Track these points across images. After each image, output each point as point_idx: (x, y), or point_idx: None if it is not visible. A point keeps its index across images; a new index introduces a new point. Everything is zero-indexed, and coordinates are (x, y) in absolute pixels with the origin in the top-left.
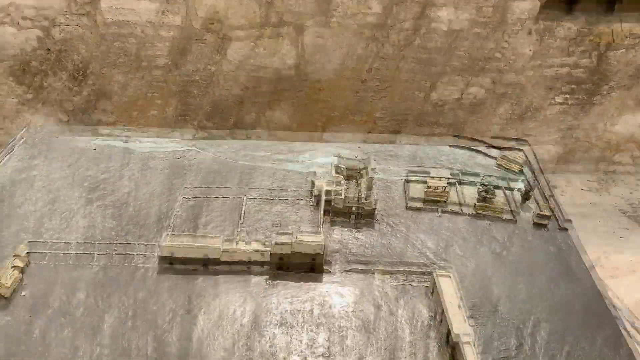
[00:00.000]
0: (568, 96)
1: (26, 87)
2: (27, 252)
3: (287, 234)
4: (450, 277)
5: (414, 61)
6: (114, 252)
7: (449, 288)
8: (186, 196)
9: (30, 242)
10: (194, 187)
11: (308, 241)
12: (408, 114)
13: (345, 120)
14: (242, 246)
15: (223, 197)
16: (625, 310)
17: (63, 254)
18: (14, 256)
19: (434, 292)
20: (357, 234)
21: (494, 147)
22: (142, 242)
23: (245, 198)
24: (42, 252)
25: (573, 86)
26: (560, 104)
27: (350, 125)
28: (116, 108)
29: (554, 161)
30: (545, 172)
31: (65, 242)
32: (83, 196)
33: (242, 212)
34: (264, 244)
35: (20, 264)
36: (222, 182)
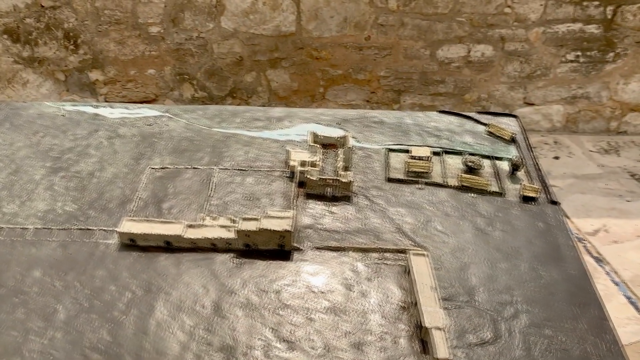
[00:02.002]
0: (580, 54)
1: (21, 45)
2: None
3: (253, 217)
4: (425, 255)
5: (417, 17)
6: (73, 227)
7: (423, 268)
8: (154, 166)
9: None
10: (163, 155)
11: (277, 217)
12: (413, 72)
13: (349, 80)
14: (207, 222)
15: (194, 168)
16: (622, 286)
17: (21, 228)
18: None
19: (408, 271)
20: (332, 208)
21: (486, 112)
22: (104, 216)
23: (216, 169)
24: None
25: (585, 43)
26: (571, 61)
27: (353, 84)
28: (113, 67)
29: (562, 121)
30: (554, 133)
31: (24, 217)
32: (47, 166)
33: (213, 184)
34: (232, 219)
35: None
36: (193, 150)
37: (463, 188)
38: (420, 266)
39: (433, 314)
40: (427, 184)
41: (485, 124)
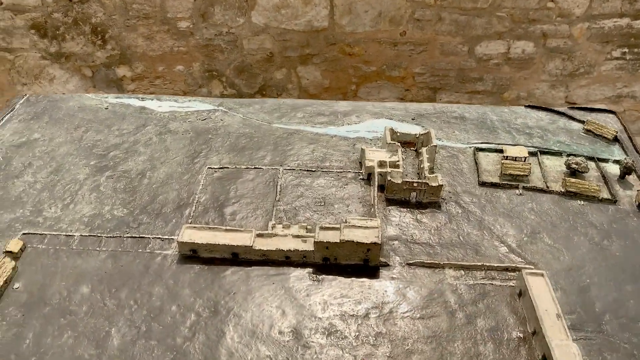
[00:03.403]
0: (626, 50)
1: (49, 41)
2: (24, 234)
3: (333, 225)
4: (543, 275)
5: (455, 12)
6: (125, 235)
7: (542, 290)
8: (213, 166)
9: (27, 221)
10: (221, 153)
11: (361, 227)
12: (450, 69)
13: (382, 77)
14: (278, 231)
15: (256, 168)
16: None
17: (65, 235)
18: (5, 252)
19: (522, 294)
20: (420, 216)
21: (579, 108)
22: (159, 222)
23: (281, 169)
24: (41, 234)
25: (632, 39)
26: (617, 59)
27: (387, 81)
28: (141, 63)
29: None
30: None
31: (68, 222)
32: (91, 164)
33: (279, 186)
34: (306, 228)
35: (15, 249)
36: (254, 148)
37: (568, 194)
38: (539, 288)
39: (564, 349)
40: (526, 188)
41: (581, 121)
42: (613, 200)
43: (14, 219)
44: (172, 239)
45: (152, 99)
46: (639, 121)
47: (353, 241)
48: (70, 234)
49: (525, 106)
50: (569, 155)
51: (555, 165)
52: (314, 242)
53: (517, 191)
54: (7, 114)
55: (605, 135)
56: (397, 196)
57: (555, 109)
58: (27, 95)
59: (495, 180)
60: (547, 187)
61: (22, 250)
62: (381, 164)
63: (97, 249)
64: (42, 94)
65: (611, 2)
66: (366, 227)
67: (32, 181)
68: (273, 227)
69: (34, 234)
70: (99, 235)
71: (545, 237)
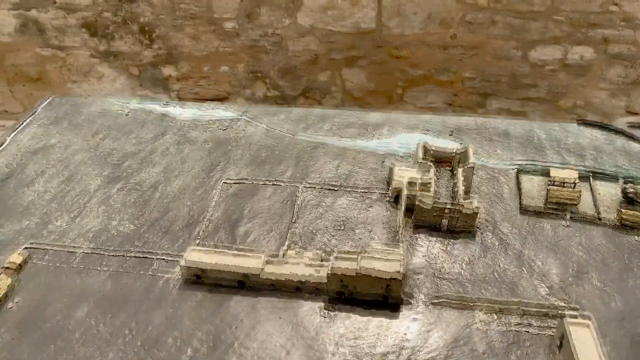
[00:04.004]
0: None
1: (98, 39)
2: (26, 248)
3: (349, 251)
4: (589, 326)
5: (509, 15)
6: (128, 254)
7: (587, 342)
8: (229, 180)
9: (31, 234)
10: (239, 166)
11: (381, 258)
12: (502, 74)
13: (430, 81)
14: (291, 257)
15: (274, 184)
16: None
17: (68, 251)
18: (7, 265)
19: (562, 345)
20: (450, 246)
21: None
22: (166, 241)
23: (301, 186)
24: (43, 249)
25: None
26: None
27: (435, 86)
28: (187, 63)
29: None
30: None
31: (73, 237)
32: (105, 174)
33: (297, 205)
34: (321, 256)
35: (16, 262)
36: (274, 162)
37: (624, 227)
38: (583, 339)
39: None
40: (574, 218)
41: None
42: None
43: (19, 230)
44: (177, 260)
45: (174, 105)
46: None
47: (371, 275)
48: (73, 250)
49: (578, 122)
50: (626, 180)
51: (609, 192)
52: (327, 273)
53: (563, 222)
54: (29, 117)
55: None
56: (426, 222)
57: (613, 126)
58: (52, 97)
59: (540, 207)
60: (599, 217)
61: (21, 265)
62: (410, 184)
63: (99, 268)
64: (89, 92)
65: None
66: (387, 259)
67: (42, 190)
68: (285, 252)
69: (37, 248)
70: (102, 252)
71: (594, 278)
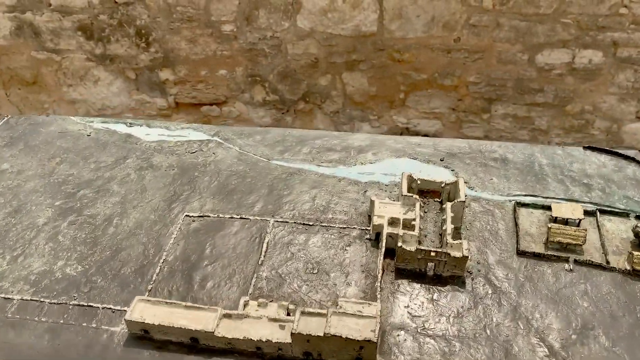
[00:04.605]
0: None
1: (94, 43)
2: None
3: (319, 310)
4: None
5: (515, 18)
6: (71, 302)
7: None
8: (191, 213)
9: None
10: (205, 197)
11: (355, 315)
12: (507, 79)
13: (433, 85)
14: (253, 310)
15: (242, 218)
16: None
17: (4, 298)
18: None
19: None
20: (437, 295)
21: None
22: (114, 287)
23: (272, 221)
24: None
25: None
26: None
27: (438, 90)
28: (184, 66)
29: None
30: None
31: (12, 280)
32: (56, 205)
33: (266, 244)
34: (288, 308)
35: None
36: (244, 191)
37: (636, 273)
38: None
39: None
40: (578, 262)
41: None
42: None
43: None
44: (125, 310)
45: (140, 125)
46: None
47: (342, 336)
48: (10, 296)
49: (584, 148)
50: (638, 217)
51: (619, 230)
52: (292, 333)
53: (566, 265)
54: None
55: None
56: (410, 266)
57: (622, 152)
58: (9, 117)
59: (539, 249)
60: (607, 262)
61: None
62: (393, 222)
63: (36, 318)
64: (85, 95)
65: None
66: (362, 316)
67: None
68: (246, 304)
69: None
70: (42, 299)
71: (601, 336)
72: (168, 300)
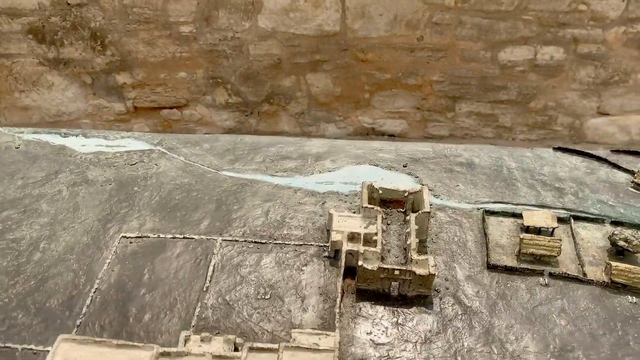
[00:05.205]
0: None
1: (47, 46)
2: None
3: (269, 345)
4: None
5: (477, 15)
6: None
7: None
8: (129, 234)
9: None
10: (144, 215)
11: (310, 349)
12: (471, 77)
13: (398, 85)
14: (194, 347)
15: (186, 238)
16: None
17: None
18: None
19: None
20: (402, 318)
21: (626, 152)
22: (37, 324)
23: (220, 240)
24: None
25: None
26: None
27: (403, 90)
28: (142, 69)
29: None
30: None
31: None
32: None
33: (212, 267)
34: (234, 343)
35: None
36: (189, 207)
37: (615, 285)
38: None
39: None
40: (554, 275)
41: (630, 171)
42: None
43: None
44: (48, 351)
45: (76, 135)
46: None
47: None
48: None
49: (554, 149)
50: (613, 222)
51: (595, 238)
52: None
53: (541, 279)
54: None
55: None
56: (372, 287)
57: (594, 153)
58: None
59: (511, 262)
60: (584, 274)
61: None
62: (353, 237)
63: None
64: (38, 102)
65: None
66: (318, 349)
67: None
68: (187, 339)
69: None
70: None
71: (582, 358)
72: (97, 339)
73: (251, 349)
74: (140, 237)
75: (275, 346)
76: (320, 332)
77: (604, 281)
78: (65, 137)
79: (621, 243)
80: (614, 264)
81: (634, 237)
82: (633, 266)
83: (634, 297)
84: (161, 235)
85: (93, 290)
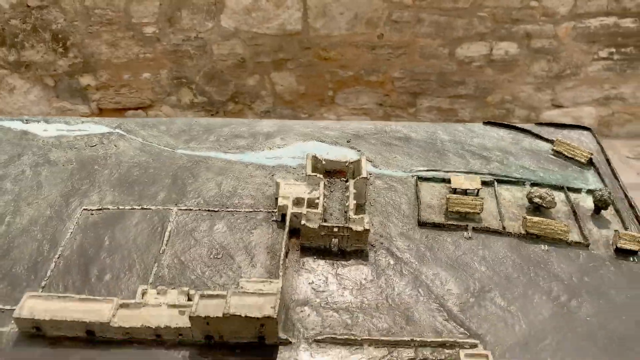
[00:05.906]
0: (614, 50)
1: (7, 49)
2: None
3: (218, 292)
4: (487, 357)
5: (435, 12)
6: None
7: None
8: (90, 207)
9: None
10: (104, 190)
11: (255, 294)
12: (430, 73)
13: (360, 82)
14: (151, 299)
15: (143, 208)
16: None
17: None
18: None
19: None
20: (341, 269)
21: (548, 124)
22: (3, 287)
23: (175, 209)
24: None
25: (620, 39)
26: (604, 59)
27: (365, 87)
28: (105, 71)
29: (594, 125)
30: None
31: None
32: None
33: (167, 233)
34: (187, 294)
35: None
36: (147, 182)
37: (529, 236)
38: None
39: None
40: (477, 230)
41: (549, 141)
42: (585, 244)
43: None
44: (15, 309)
45: (38, 122)
46: (628, 124)
47: (240, 315)
48: None
49: (484, 123)
50: (532, 184)
51: (515, 198)
52: (190, 316)
53: (465, 233)
54: None
55: (578, 158)
56: (314, 244)
57: (519, 125)
58: None
59: (439, 219)
60: (504, 227)
61: None
62: (297, 202)
63: None
64: (0, 104)
65: (597, 0)
66: (262, 294)
67: None
68: (144, 293)
69: None
70: None
71: (497, 297)
72: (61, 294)
73: (202, 296)
74: (100, 209)
75: (224, 293)
76: (264, 279)
77: (520, 233)
78: (27, 123)
79: (536, 200)
80: (529, 217)
81: (548, 194)
82: (546, 218)
83: (545, 246)
84: (120, 207)
85: (57, 256)
